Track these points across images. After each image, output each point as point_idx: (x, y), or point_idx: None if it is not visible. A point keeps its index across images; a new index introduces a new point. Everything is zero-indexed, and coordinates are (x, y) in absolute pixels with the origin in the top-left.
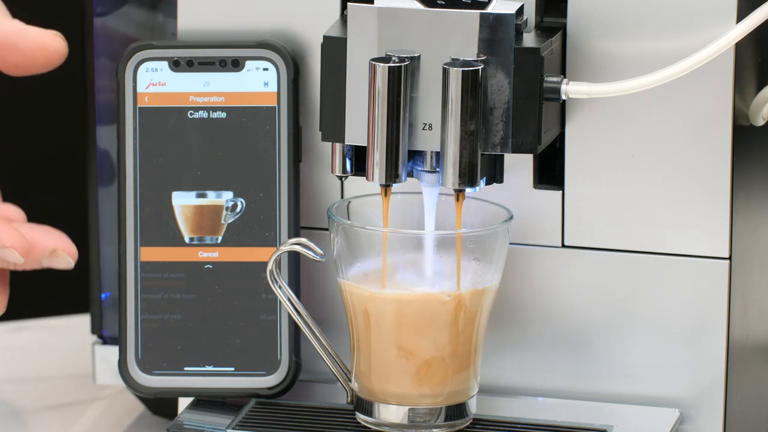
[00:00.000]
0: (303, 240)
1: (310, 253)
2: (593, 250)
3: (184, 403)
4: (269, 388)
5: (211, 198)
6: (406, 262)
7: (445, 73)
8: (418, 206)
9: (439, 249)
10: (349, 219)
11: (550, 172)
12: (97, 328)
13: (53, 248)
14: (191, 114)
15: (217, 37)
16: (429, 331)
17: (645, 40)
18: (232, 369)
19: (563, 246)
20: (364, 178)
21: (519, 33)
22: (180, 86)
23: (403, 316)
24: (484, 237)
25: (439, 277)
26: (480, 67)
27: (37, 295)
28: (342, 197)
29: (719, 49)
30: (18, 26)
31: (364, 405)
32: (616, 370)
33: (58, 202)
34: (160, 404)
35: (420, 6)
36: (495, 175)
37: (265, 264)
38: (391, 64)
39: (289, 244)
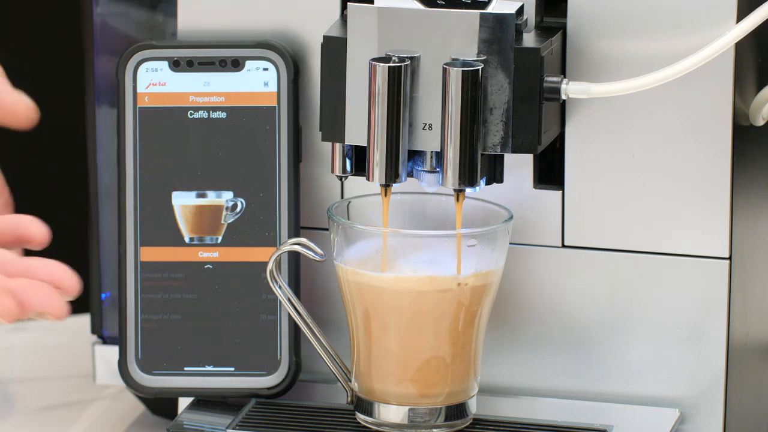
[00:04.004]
0: (303, 240)
1: (310, 253)
2: (593, 250)
3: (184, 403)
4: (269, 388)
5: (211, 198)
6: (406, 256)
7: (445, 73)
8: (418, 206)
9: (440, 247)
10: (349, 219)
11: (550, 172)
12: (97, 328)
13: (41, 311)
14: (191, 114)
15: (217, 37)
16: (429, 324)
17: (645, 40)
18: (232, 369)
19: (563, 246)
20: (364, 178)
21: (519, 33)
22: (180, 86)
23: (403, 306)
24: (484, 237)
25: (439, 265)
26: (480, 67)
27: None
28: (342, 197)
29: (719, 49)
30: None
31: (364, 405)
32: (616, 370)
33: (58, 202)
34: (160, 404)
35: (420, 6)
36: (495, 175)
37: (265, 264)
38: (391, 64)
39: (289, 244)
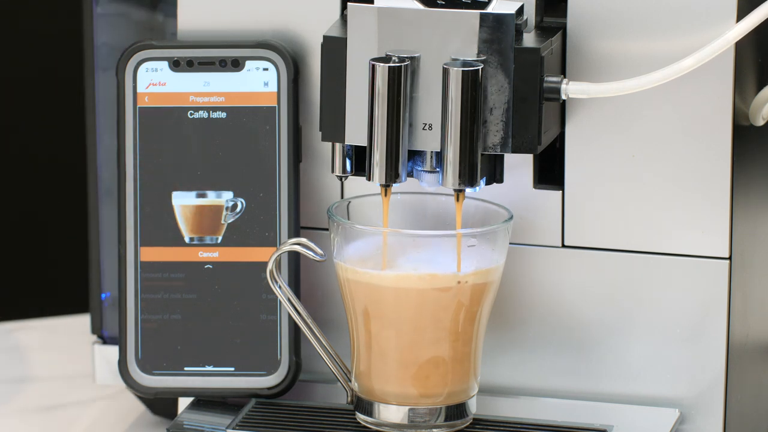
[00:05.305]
0: (303, 240)
1: (310, 253)
2: (593, 250)
3: (184, 403)
4: (269, 388)
5: (211, 198)
6: (406, 255)
7: (445, 73)
8: (418, 206)
9: (440, 247)
10: (349, 219)
11: (550, 172)
12: (97, 328)
13: None
14: (191, 114)
15: (217, 37)
16: (430, 324)
17: (645, 40)
18: (232, 369)
19: (563, 246)
20: (364, 178)
21: (519, 33)
22: (180, 86)
23: (403, 305)
24: (484, 237)
25: (439, 265)
26: (480, 67)
27: (37, 295)
28: (342, 197)
29: (719, 49)
30: None
31: (364, 405)
32: (616, 370)
33: (58, 202)
34: (160, 404)
35: (420, 6)
36: (495, 175)
37: (265, 264)
38: (391, 64)
39: (289, 244)
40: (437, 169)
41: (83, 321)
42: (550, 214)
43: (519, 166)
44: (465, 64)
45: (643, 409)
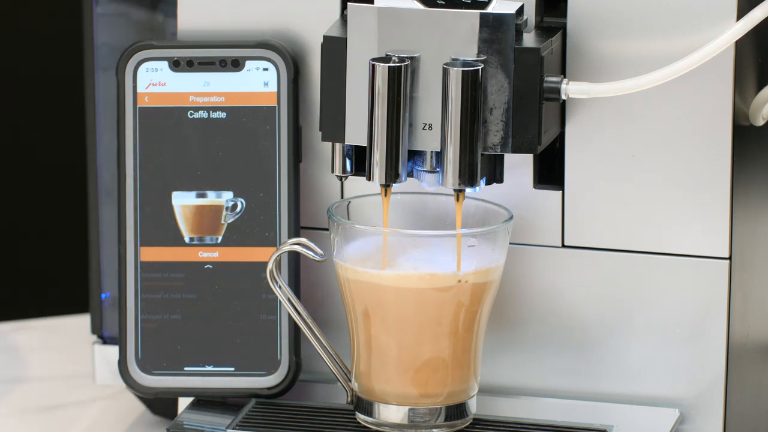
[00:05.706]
0: (303, 240)
1: (310, 253)
2: (593, 250)
3: (184, 403)
4: (269, 388)
5: (211, 198)
6: (405, 254)
7: (445, 73)
8: (418, 206)
9: (440, 246)
10: (349, 219)
11: (550, 172)
12: (97, 328)
13: None
14: (191, 114)
15: (217, 37)
16: (430, 324)
17: (645, 40)
18: (232, 369)
19: (563, 246)
20: (364, 178)
21: (519, 33)
22: (180, 86)
23: (403, 305)
24: (484, 237)
25: (440, 264)
26: (480, 67)
27: (37, 295)
28: (342, 197)
29: (719, 48)
30: None
31: (364, 405)
32: (616, 370)
33: (58, 202)
34: (160, 404)
35: (420, 6)
36: (495, 175)
37: (265, 264)
38: (391, 64)
39: (289, 244)
40: (437, 169)
41: (83, 321)
42: (550, 214)
43: (519, 166)
44: (465, 64)
45: (643, 409)
